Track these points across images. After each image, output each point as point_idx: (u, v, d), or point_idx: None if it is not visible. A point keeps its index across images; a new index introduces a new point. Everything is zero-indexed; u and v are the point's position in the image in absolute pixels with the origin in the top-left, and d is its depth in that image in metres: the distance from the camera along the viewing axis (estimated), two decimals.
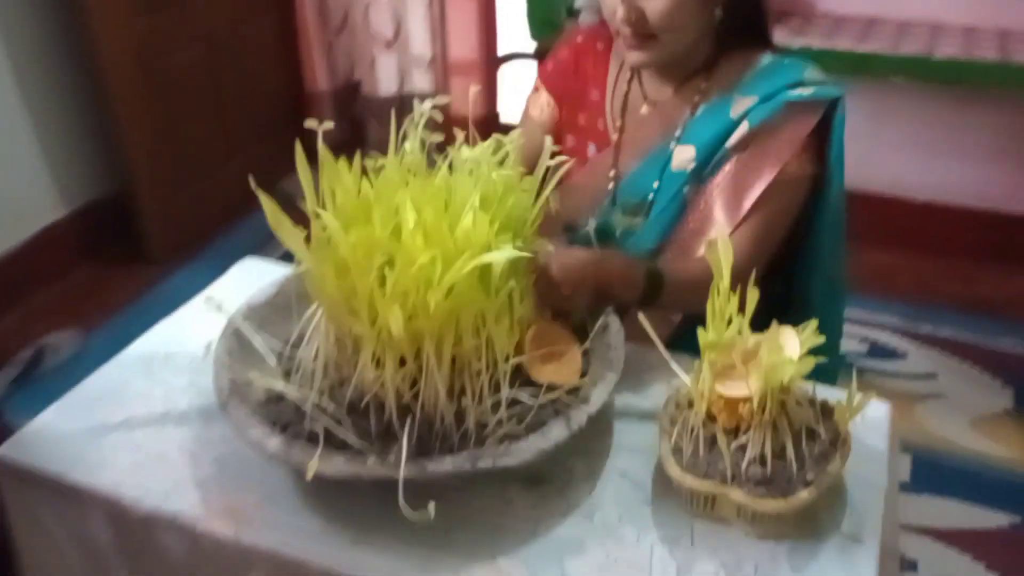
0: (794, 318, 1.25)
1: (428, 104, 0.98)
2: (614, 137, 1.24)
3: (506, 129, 1.03)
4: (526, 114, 1.34)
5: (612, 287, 1.02)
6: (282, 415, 0.91)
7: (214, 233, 2.72)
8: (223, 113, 2.74)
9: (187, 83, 2.58)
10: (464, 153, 0.92)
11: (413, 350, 0.86)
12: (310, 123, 0.92)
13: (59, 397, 1.06)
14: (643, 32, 1.09)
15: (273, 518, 0.88)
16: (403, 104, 3.11)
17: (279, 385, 0.91)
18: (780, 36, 2.28)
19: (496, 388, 0.89)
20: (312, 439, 0.86)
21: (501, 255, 0.81)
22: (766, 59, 1.16)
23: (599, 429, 0.96)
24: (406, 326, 0.84)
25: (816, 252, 1.21)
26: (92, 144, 2.43)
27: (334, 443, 0.86)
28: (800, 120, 1.11)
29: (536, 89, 1.33)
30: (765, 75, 1.14)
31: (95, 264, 2.43)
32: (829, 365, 1.28)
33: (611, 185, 1.23)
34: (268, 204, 0.87)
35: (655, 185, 1.19)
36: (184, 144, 2.61)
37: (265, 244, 2.68)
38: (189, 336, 1.05)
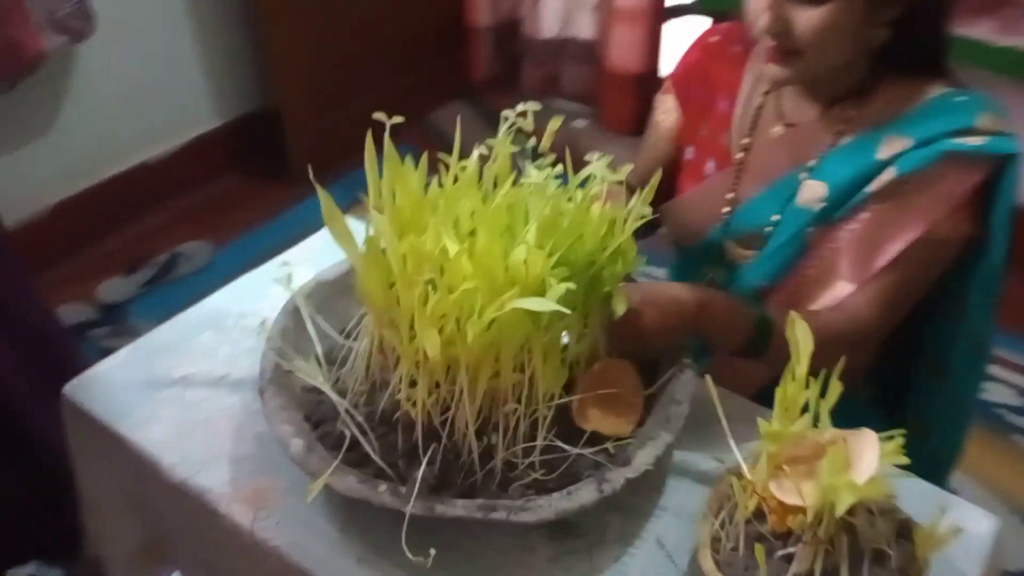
0: (924, 377, 1.12)
1: (522, 108, 0.89)
2: (737, 156, 1.10)
3: None
4: (653, 117, 1.23)
5: (712, 335, 0.92)
6: (319, 409, 0.89)
7: (358, 159, 2.74)
8: (378, 38, 2.73)
9: (344, 5, 2.57)
10: (532, 175, 0.83)
11: (448, 376, 0.81)
12: (378, 116, 0.85)
13: (183, 306, 1.10)
14: (787, 46, 0.94)
15: (293, 512, 0.86)
16: (561, 48, 3.00)
17: (317, 380, 0.88)
18: (983, 31, 1.99)
19: (533, 429, 0.82)
20: (340, 442, 0.84)
21: (542, 304, 0.73)
22: (934, 93, 0.98)
23: (646, 484, 0.88)
24: (443, 351, 0.78)
25: (961, 314, 1.05)
26: (250, 59, 2.48)
27: (358, 453, 0.83)
28: (960, 175, 0.94)
29: (665, 91, 1.21)
30: (927, 114, 0.96)
31: (239, 177, 2.51)
32: (955, 435, 1.14)
33: (726, 209, 1.10)
34: (325, 197, 0.82)
35: (775, 218, 1.05)
36: (336, 67, 2.62)
37: None
38: (267, 295, 1.04)
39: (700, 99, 1.15)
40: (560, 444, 0.83)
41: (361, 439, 0.83)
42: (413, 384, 0.82)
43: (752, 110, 1.10)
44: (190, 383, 1.02)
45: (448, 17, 2.92)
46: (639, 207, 0.85)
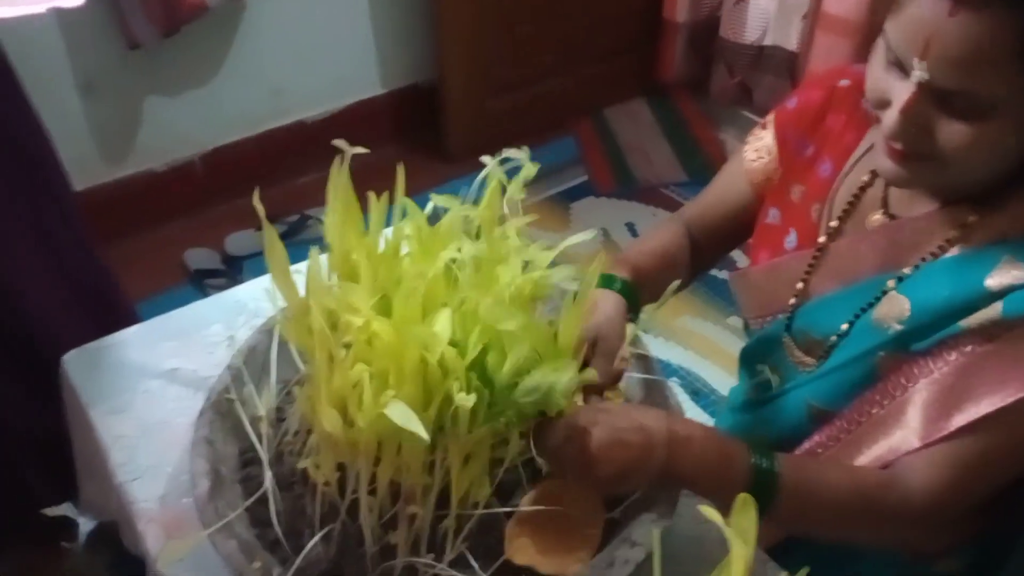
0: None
1: (509, 153, 0.75)
2: (821, 240, 0.89)
3: None
4: (740, 152, 1.01)
5: (690, 481, 0.74)
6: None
7: (519, 145, 2.66)
8: (563, 23, 2.60)
9: None
10: (468, 249, 0.69)
11: (353, 457, 0.70)
12: (338, 143, 0.74)
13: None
14: (918, 152, 0.74)
15: (202, 554, 0.78)
16: (760, 56, 2.73)
17: (250, 427, 0.80)
18: None
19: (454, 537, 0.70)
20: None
21: (404, 418, 0.60)
22: None
23: None
24: (345, 429, 0.67)
25: None
26: (421, 30, 2.43)
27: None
28: None
29: (764, 126, 0.99)
30: None
31: (395, 148, 2.49)
32: None
33: (792, 301, 0.90)
34: (269, 230, 0.73)
35: (844, 327, 0.85)
36: (511, 49, 2.52)
37: (562, 169, 2.57)
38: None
39: (803, 152, 0.94)
40: (473, 563, 0.70)
41: (270, 498, 0.75)
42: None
43: (853, 186, 0.88)
44: (175, 378, 0.98)
45: (643, 8, 2.73)
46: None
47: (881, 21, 0.74)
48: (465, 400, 0.61)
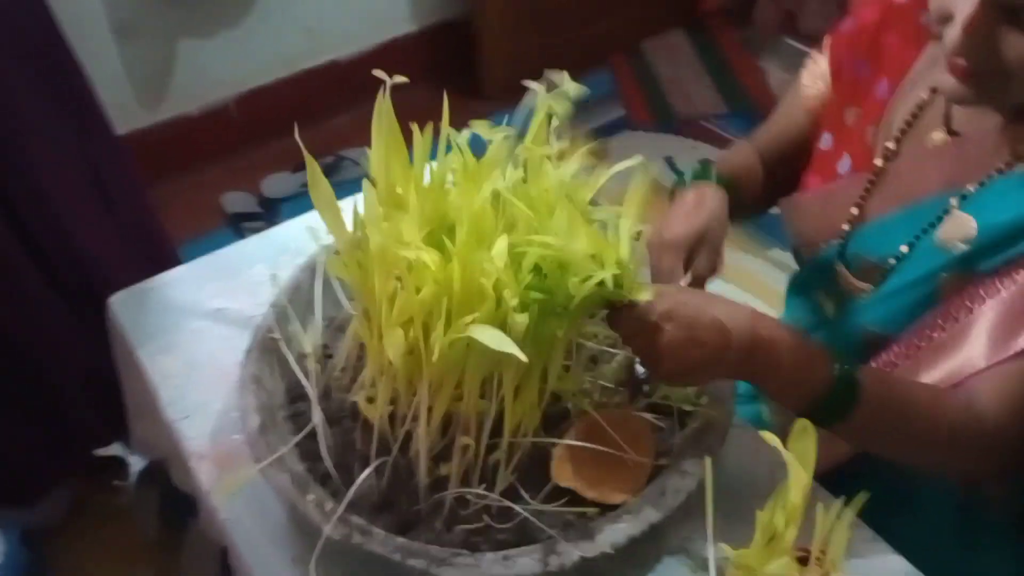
0: None
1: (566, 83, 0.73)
2: (878, 162, 0.86)
3: None
4: (799, 78, 0.98)
5: (766, 383, 0.71)
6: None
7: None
8: None
9: None
10: (511, 176, 0.67)
11: (409, 389, 0.70)
12: (379, 73, 0.73)
13: None
14: (982, 67, 0.70)
15: (252, 485, 0.79)
16: None
17: (295, 363, 0.80)
18: None
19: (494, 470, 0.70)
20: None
21: (496, 339, 0.59)
22: None
23: (632, 560, 0.73)
24: (405, 359, 0.67)
25: None
26: None
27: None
28: None
29: (822, 48, 0.95)
30: None
31: (428, 87, 2.46)
32: None
33: (846, 227, 0.88)
34: (313, 166, 0.72)
35: (903, 249, 0.82)
36: None
37: (598, 105, 2.52)
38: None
39: (858, 73, 0.90)
40: (523, 493, 0.70)
41: (320, 433, 0.75)
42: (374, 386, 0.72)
43: (912, 105, 0.85)
44: (221, 317, 0.98)
45: None
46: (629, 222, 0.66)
47: None
48: (519, 321, 0.60)
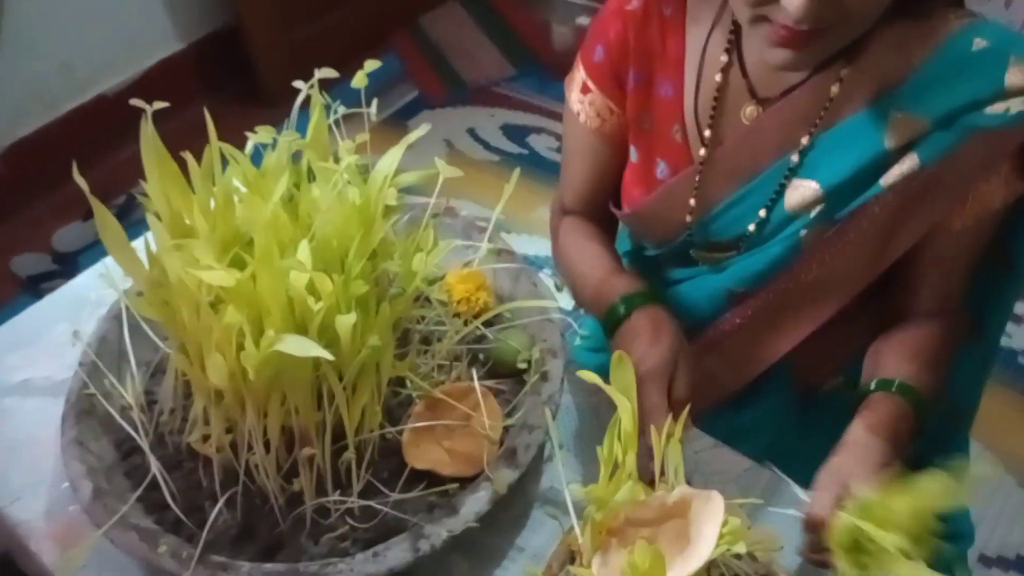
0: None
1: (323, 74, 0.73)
2: (700, 154, 0.86)
3: None
4: (574, 120, 0.94)
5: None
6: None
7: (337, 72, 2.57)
8: None
9: None
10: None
11: (243, 414, 0.68)
12: (136, 102, 0.70)
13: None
14: (826, 23, 0.69)
15: (103, 554, 0.75)
16: None
17: (120, 415, 0.76)
18: None
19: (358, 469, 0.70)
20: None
21: (301, 346, 0.59)
22: (945, 38, 0.76)
23: (504, 519, 0.75)
24: (232, 382, 0.65)
25: (1007, 270, 0.87)
26: None
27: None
28: (1000, 145, 0.75)
29: (584, 89, 0.91)
30: (941, 76, 0.75)
31: (212, 102, 2.36)
32: (976, 389, 0.97)
33: (689, 219, 0.89)
34: (99, 208, 0.69)
35: (762, 214, 0.85)
36: None
37: (389, 89, 2.50)
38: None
39: (631, 84, 0.88)
40: (381, 488, 0.70)
41: (160, 481, 0.72)
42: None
43: (709, 91, 0.85)
44: (28, 389, 0.92)
45: None
46: None
47: None
48: (346, 319, 0.60)
